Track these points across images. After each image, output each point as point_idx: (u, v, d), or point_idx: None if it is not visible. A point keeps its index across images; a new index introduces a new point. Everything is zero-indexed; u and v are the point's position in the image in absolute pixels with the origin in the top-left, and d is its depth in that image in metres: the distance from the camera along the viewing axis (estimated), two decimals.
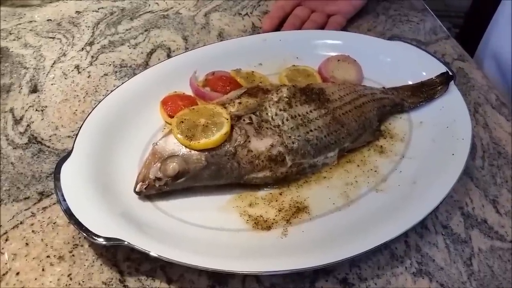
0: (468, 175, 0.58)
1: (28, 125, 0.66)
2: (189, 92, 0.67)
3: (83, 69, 0.76)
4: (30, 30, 0.85)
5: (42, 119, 0.67)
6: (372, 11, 0.90)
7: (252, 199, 0.55)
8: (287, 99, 0.58)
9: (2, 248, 0.51)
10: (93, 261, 0.50)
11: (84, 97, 0.71)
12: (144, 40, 0.82)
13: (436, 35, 0.84)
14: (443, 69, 0.67)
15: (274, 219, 0.53)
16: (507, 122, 0.66)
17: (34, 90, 0.72)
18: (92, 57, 0.79)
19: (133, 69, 0.76)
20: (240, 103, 0.58)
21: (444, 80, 0.65)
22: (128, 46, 0.81)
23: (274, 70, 0.72)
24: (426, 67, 0.68)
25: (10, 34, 0.84)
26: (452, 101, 0.64)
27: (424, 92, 0.65)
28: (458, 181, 0.52)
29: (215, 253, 0.48)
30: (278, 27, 0.82)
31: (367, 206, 0.54)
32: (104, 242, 0.47)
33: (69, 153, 0.55)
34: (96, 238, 0.47)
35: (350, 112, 0.60)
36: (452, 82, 0.65)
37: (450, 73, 0.66)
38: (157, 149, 0.55)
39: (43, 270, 0.49)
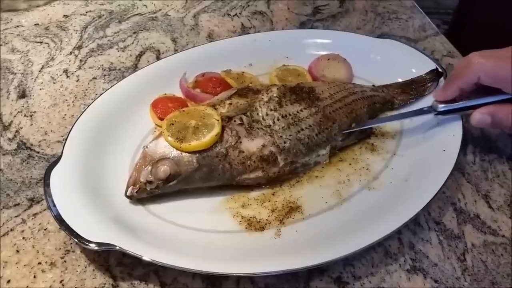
0: (460, 170, 0.58)
1: (17, 131, 0.65)
2: (179, 94, 0.67)
3: (72, 73, 0.75)
4: (17, 35, 0.84)
5: (31, 125, 0.66)
6: (361, 9, 0.90)
7: (245, 200, 0.55)
8: (277, 99, 0.58)
9: None
10: (85, 267, 0.49)
11: (73, 102, 0.70)
12: (133, 43, 0.82)
13: (425, 32, 0.84)
14: (432, 66, 0.67)
15: (267, 220, 0.52)
16: None
17: (22, 95, 0.71)
18: (81, 61, 0.78)
19: (122, 72, 0.75)
20: (230, 104, 0.58)
21: (433, 77, 0.65)
22: (117, 49, 0.81)
23: (264, 70, 0.72)
24: (416, 64, 0.68)
25: None
26: None
27: (414, 89, 0.66)
28: (450, 177, 0.52)
29: (208, 255, 0.48)
30: None
31: (360, 204, 0.54)
32: (96, 248, 0.46)
33: (58, 158, 0.55)
34: (87, 243, 0.47)
35: (340, 110, 0.60)
36: (441, 79, 0.65)
37: (440, 70, 0.66)
38: (147, 152, 0.54)
39: (34, 277, 0.49)
